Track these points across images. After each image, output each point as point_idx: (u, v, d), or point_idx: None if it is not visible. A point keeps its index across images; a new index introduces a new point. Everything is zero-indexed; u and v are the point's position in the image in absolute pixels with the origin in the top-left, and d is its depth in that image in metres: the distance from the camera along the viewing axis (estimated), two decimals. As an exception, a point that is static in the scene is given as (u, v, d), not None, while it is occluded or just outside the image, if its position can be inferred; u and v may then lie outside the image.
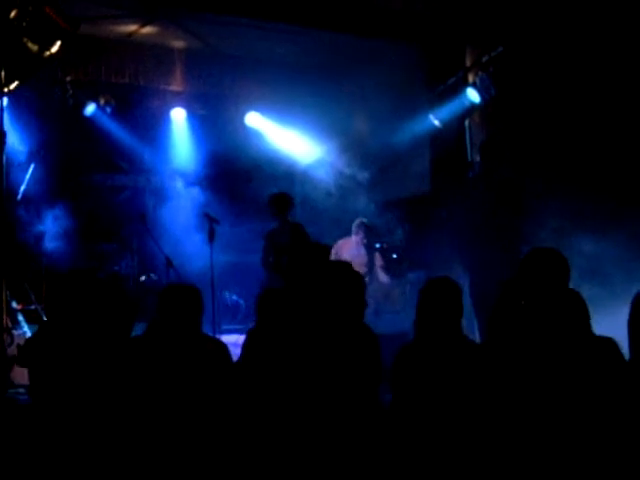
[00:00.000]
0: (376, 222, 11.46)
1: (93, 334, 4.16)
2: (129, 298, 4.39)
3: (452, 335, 4.41)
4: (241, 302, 12.34)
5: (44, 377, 3.90)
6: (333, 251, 10.35)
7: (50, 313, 4.46)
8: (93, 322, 4.20)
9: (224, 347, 4.69)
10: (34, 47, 7.60)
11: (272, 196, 9.76)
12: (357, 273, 4.73)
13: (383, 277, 10.88)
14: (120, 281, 11.38)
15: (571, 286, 4.43)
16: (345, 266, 4.73)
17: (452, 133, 10.33)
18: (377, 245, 11.09)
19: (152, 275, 11.91)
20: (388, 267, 10.86)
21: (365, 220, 10.83)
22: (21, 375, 6.68)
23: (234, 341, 7.12)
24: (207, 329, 9.48)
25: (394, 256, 11.09)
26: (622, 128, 8.15)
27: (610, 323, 4.43)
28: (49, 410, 3.75)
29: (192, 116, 13.14)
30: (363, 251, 10.65)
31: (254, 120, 13.31)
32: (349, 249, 10.54)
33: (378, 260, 10.80)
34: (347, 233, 10.88)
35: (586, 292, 4.30)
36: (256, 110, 13.21)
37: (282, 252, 9.21)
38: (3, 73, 7.48)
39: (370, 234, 10.77)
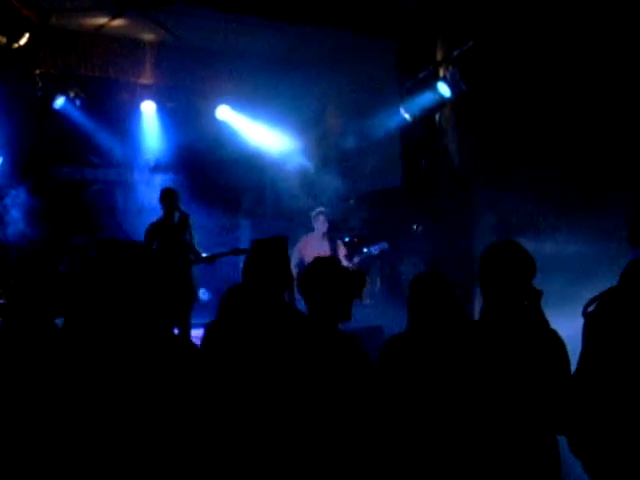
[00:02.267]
0: (340, 214, 11.55)
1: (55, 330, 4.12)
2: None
3: (446, 324, 4.35)
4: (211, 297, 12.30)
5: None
6: (296, 249, 10.39)
7: (10, 307, 4.38)
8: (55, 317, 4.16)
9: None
10: (2, 39, 7.57)
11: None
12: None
13: (348, 266, 10.85)
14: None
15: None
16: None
17: (423, 127, 10.37)
18: (346, 239, 11.14)
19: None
20: (351, 254, 10.84)
21: (323, 209, 10.81)
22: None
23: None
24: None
25: (354, 240, 11.15)
26: (590, 120, 8.21)
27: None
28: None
29: (162, 109, 13.09)
30: (326, 244, 10.61)
31: (224, 113, 13.28)
32: (312, 245, 10.48)
33: (341, 250, 10.73)
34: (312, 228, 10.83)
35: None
36: (226, 103, 13.18)
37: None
38: (-29, 65, 7.44)
39: (330, 224, 10.79)
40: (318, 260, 4.46)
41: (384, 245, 10.59)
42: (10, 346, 3.96)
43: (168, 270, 8.85)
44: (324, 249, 10.37)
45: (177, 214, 10.13)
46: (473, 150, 9.74)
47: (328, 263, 4.48)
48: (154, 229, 10.09)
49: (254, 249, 4.85)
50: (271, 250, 4.80)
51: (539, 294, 4.16)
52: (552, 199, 8.16)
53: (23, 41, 7.68)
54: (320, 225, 10.65)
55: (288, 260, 5.00)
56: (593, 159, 7.78)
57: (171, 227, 10.05)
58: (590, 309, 3.92)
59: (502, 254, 4.23)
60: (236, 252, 9.96)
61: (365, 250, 10.72)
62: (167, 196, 10.11)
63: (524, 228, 7.80)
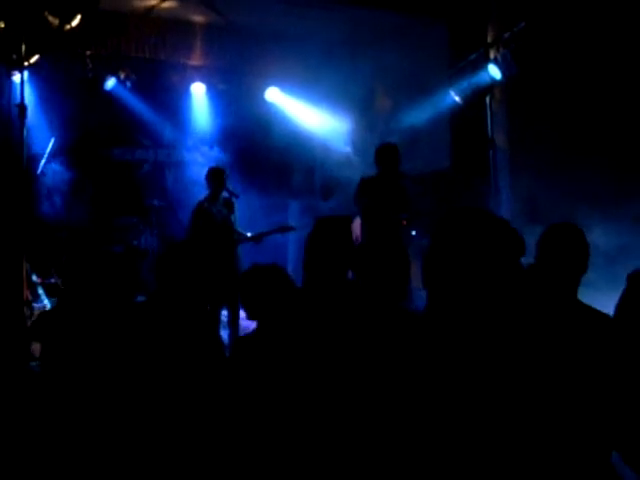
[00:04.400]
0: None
1: (102, 308, 4.17)
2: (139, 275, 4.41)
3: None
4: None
5: (53, 351, 3.91)
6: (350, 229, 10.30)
7: (65, 288, 4.47)
8: (104, 296, 4.21)
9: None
10: (55, 21, 7.60)
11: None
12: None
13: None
14: (137, 256, 11.37)
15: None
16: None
17: (472, 109, 10.29)
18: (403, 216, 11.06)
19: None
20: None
21: None
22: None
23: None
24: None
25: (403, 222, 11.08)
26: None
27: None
28: (57, 383, 3.75)
29: (212, 90, 13.14)
30: None
31: (274, 95, 13.30)
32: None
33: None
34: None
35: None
36: (276, 85, 13.19)
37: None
38: (24, 47, 7.50)
39: None
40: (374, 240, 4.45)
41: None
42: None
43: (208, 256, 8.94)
44: None
45: (224, 194, 10.04)
46: (521, 133, 9.66)
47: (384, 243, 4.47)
48: (200, 208, 10.01)
49: (318, 227, 4.76)
50: (336, 229, 4.71)
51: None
52: (594, 190, 8.06)
53: (75, 23, 7.71)
54: None
55: (352, 240, 4.92)
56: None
57: (217, 207, 9.97)
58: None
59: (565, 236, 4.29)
60: (282, 230, 9.96)
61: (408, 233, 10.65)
62: (214, 175, 10.04)
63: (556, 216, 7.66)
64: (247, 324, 5.21)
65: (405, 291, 4.37)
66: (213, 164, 11.88)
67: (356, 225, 10.52)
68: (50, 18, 7.57)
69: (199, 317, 4.38)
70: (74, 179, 11.45)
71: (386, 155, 9.70)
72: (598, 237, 7.25)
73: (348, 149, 12.88)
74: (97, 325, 3.97)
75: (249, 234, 10.02)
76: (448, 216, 3.82)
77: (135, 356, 3.83)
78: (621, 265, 5.32)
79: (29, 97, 8.89)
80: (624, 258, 7.04)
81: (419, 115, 11.03)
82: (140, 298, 5.53)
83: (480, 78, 9.79)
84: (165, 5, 11.29)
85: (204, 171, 10.04)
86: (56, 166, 11.35)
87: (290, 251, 12.66)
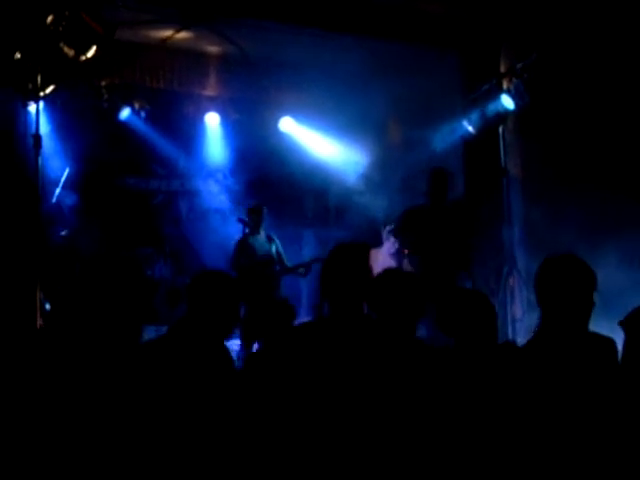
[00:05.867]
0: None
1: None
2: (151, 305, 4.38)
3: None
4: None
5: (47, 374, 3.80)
6: None
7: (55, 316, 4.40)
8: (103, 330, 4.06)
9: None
10: (70, 52, 7.66)
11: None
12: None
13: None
14: (151, 286, 11.36)
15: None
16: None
17: (486, 139, 10.29)
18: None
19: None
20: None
21: (392, 227, 10.76)
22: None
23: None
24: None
25: None
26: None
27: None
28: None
29: (226, 120, 13.20)
30: (393, 262, 10.52)
31: (288, 125, 13.34)
32: (379, 261, 10.42)
33: (406, 267, 10.65)
34: (376, 240, 10.80)
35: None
36: (290, 115, 13.24)
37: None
38: (39, 77, 7.56)
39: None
40: (391, 272, 4.44)
41: None
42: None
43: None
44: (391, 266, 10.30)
45: (264, 229, 10.52)
46: (535, 163, 9.66)
47: (403, 276, 4.46)
48: (242, 243, 10.40)
49: (335, 254, 4.60)
50: (354, 256, 4.57)
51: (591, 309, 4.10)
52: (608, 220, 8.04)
53: (90, 53, 7.77)
54: (390, 244, 10.63)
55: (370, 269, 4.63)
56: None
57: (259, 241, 10.46)
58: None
59: (563, 268, 4.13)
60: (320, 260, 10.04)
61: None
62: (254, 211, 10.48)
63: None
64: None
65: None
66: (227, 194, 11.97)
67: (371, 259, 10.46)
68: (65, 49, 7.64)
69: (219, 348, 4.38)
70: (88, 208, 11.47)
71: (437, 181, 9.28)
72: (616, 268, 7.26)
73: (361, 179, 12.89)
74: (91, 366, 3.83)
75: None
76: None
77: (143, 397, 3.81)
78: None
79: (44, 127, 8.97)
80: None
81: (432, 145, 11.04)
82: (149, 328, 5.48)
83: (493, 108, 9.80)
84: (179, 36, 11.36)
85: (217, 201, 10.14)
86: (71, 195, 11.38)
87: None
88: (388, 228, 10.78)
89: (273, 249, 10.57)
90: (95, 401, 3.59)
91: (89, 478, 3.45)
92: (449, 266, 8.92)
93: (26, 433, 3.48)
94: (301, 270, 10.62)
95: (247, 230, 10.47)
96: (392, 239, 10.60)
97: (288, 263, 10.68)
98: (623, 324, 3.91)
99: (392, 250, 10.62)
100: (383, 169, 12.47)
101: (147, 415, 3.73)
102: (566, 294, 4.07)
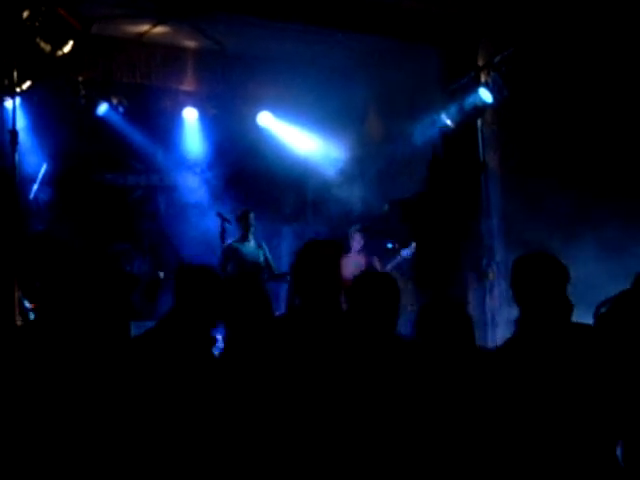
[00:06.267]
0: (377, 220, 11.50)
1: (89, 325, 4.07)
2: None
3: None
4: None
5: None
6: None
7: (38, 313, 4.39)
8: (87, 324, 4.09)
9: None
10: (46, 47, 7.63)
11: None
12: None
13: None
14: (130, 282, 11.30)
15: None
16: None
17: (464, 133, 10.32)
18: (389, 245, 11.04)
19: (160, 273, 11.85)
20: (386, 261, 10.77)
21: (359, 226, 10.83)
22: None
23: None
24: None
25: (389, 246, 11.06)
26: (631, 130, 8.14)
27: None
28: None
29: (204, 115, 13.15)
30: (362, 262, 10.49)
31: (266, 120, 13.31)
32: (348, 267, 10.36)
33: (377, 265, 10.64)
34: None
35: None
36: (268, 109, 13.21)
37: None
38: (16, 73, 7.52)
39: (367, 239, 10.79)
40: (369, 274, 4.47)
41: (412, 245, 10.55)
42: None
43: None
44: (359, 268, 10.28)
45: (253, 235, 10.69)
46: (513, 156, 9.70)
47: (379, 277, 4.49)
48: (229, 248, 10.57)
49: (306, 250, 4.54)
50: (324, 252, 4.53)
51: (571, 307, 4.12)
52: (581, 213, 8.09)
53: (67, 49, 7.73)
54: (356, 243, 10.70)
55: (340, 267, 4.55)
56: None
57: (247, 249, 10.64)
58: (602, 311, 3.90)
59: (536, 265, 4.21)
60: None
61: (399, 257, 10.66)
62: (242, 217, 10.66)
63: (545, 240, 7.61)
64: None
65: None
66: (205, 189, 11.93)
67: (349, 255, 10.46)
68: (42, 44, 7.60)
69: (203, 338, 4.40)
70: (66, 204, 11.41)
71: None
72: (594, 260, 7.30)
73: (339, 174, 12.88)
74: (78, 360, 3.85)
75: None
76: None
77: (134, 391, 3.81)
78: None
79: (21, 123, 8.92)
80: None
81: (411, 139, 11.05)
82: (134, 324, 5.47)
83: (471, 101, 9.83)
84: (156, 31, 11.32)
85: (196, 195, 10.11)
86: (48, 191, 11.33)
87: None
88: (354, 227, 10.83)
89: (261, 256, 10.69)
90: (89, 396, 3.61)
91: (85, 472, 3.45)
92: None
93: (19, 430, 3.49)
94: (289, 278, 10.66)
95: (225, 225, 10.53)
96: (358, 237, 10.67)
97: (276, 271, 10.80)
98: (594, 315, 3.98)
99: (358, 248, 10.69)
100: (361, 163, 12.46)
101: (144, 409, 3.74)
102: (541, 291, 4.13)
